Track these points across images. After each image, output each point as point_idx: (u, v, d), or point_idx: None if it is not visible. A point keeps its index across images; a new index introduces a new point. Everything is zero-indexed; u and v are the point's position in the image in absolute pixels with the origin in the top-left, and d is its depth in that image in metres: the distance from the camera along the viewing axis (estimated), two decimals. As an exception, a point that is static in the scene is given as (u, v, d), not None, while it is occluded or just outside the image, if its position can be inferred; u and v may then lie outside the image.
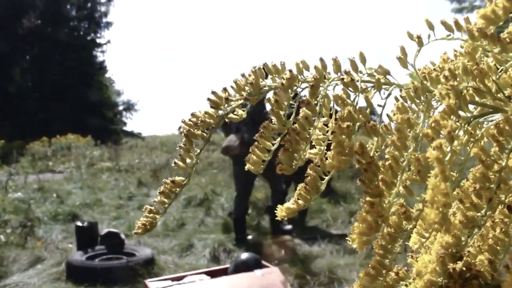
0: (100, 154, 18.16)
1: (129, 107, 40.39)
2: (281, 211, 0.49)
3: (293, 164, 0.45)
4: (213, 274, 4.85)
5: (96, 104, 33.70)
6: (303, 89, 0.47)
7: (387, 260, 0.40)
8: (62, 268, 5.21)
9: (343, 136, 0.42)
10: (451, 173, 0.39)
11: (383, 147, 0.44)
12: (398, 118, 0.42)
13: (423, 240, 0.41)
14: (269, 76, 0.48)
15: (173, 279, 4.66)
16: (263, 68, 0.48)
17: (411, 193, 0.40)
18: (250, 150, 0.48)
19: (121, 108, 40.33)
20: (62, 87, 32.53)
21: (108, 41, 38.56)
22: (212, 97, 0.48)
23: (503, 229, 0.37)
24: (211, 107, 0.48)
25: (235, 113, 0.49)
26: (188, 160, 0.48)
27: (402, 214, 0.39)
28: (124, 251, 5.52)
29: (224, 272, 4.93)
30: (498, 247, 0.37)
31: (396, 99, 0.45)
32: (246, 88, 0.48)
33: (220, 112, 0.48)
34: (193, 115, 0.47)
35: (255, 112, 10.02)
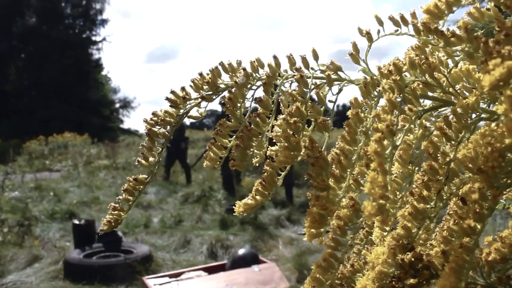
0: (97, 152, 18.14)
1: (126, 104, 40.35)
2: (239, 207, 0.50)
3: (246, 161, 0.46)
4: (210, 270, 4.87)
5: (93, 102, 33.63)
6: (257, 87, 0.48)
7: (339, 253, 0.41)
8: (59, 266, 5.21)
9: (290, 132, 0.42)
10: (409, 166, 0.40)
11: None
12: (349, 113, 0.43)
13: (385, 234, 0.41)
14: (225, 75, 0.49)
15: (171, 276, 4.68)
16: (220, 67, 0.48)
17: (361, 185, 0.41)
18: (207, 147, 0.49)
19: (117, 105, 40.28)
20: (58, 86, 32.44)
21: (104, 39, 38.49)
22: (171, 96, 0.49)
23: (456, 221, 0.37)
24: (170, 106, 0.48)
25: (194, 111, 0.49)
26: (151, 159, 0.48)
27: (351, 207, 0.40)
28: (122, 248, 5.53)
29: (221, 268, 4.95)
30: (453, 239, 0.37)
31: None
32: (204, 87, 0.48)
33: (181, 111, 0.48)
34: (154, 114, 0.48)
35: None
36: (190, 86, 0.49)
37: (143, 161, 0.49)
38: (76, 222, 5.90)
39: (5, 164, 10.60)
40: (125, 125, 40.18)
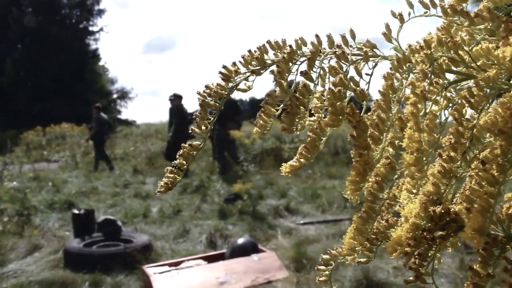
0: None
1: (123, 95, 40.28)
2: (285, 168, 0.56)
3: (294, 126, 0.52)
4: (210, 259, 4.92)
5: (90, 93, 33.52)
6: (301, 62, 0.53)
7: (376, 206, 0.46)
8: (59, 256, 5.25)
9: (335, 100, 0.48)
10: (434, 135, 0.44)
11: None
12: (383, 84, 0.48)
13: (412, 196, 0.47)
14: (271, 52, 0.55)
15: (170, 265, 4.73)
16: (267, 44, 0.55)
17: (395, 148, 0.47)
18: (257, 115, 0.55)
19: (115, 96, 40.21)
20: (55, 76, 32.31)
21: (101, 29, 38.29)
22: (223, 70, 0.54)
23: (478, 181, 0.42)
24: (222, 79, 0.54)
25: (242, 85, 0.55)
26: (203, 127, 0.54)
27: (388, 165, 0.46)
28: (121, 238, 5.56)
29: (221, 257, 5.00)
30: (474, 197, 0.43)
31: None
32: (253, 62, 0.54)
33: (230, 84, 0.54)
34: (207, 86, 0.54)
35: (225, 109, 11.77)
36: (239, 62, 0.55)
37: (196, 129, 0.54)
38: (76, 211, 5.93)
39: (3, 155, 10.61)
40: (122, 116, 40.16)
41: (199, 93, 0.54)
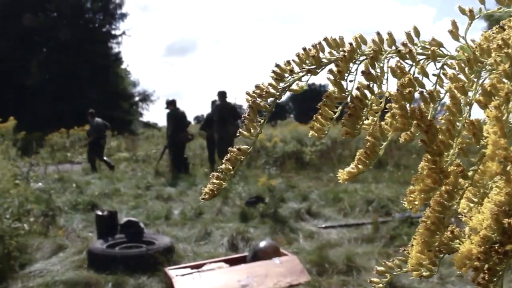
0: (117, 145, 18.38)
1: (145, 97, 40.72)
2: (343, 175, 0.54)
3: (357, 129, 0.49)
4: (231, 262, 4.91)
5: (112, 95, 34.00)
6: (361, 62, 0.50)
7: (445, 217, 0.43)
8: (83, 256, 5.30)
9: (404, 102, 0.45)
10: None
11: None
12: (451, 86, 0.45)
13: (471, 205, 0.44)
14: (327, 50, 0.52)
15: (192, 267, 4.73)
16: (324, 42, 0.51)
17: (466, 154, 0.43)
18: (314, 118, 0.52)
19: (137, 99, 40.67)
20: (78, 79, 32.87)
21: (123, 33, 38.84)
22: (276, 69, 0.51)
23: None
24: (275, 79, 0.51)
25: (295, 85, 0.52)
26: (252, 130, 0.51)
27: (460, 173, 0.43)
28: (144, 239, 5.59)
29: (242, 260, 4.99)
30: None
31: (444, 69, 0.49)
32: (307, 61, 0.51)
33: (282, 84, 0.51)
34: (257, 87, 0.51)
35: (224, 110, 12.75)
36: (293, 60, 0.51)
37: (245, 132, 0.51)
38: (99, 213, 5.98)
39: (29, 156, 10.82)
40: (144, 118, 40.61)
41: (248, 94, 0.51)
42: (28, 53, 32.69)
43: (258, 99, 0.50)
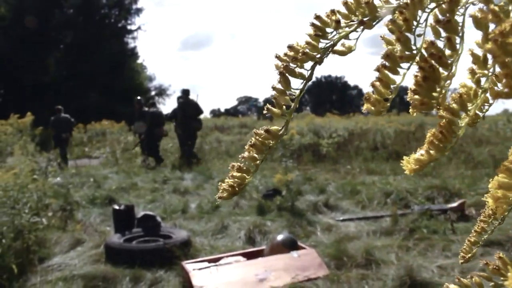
0: (134, 139, 18.43)
1: (161, 92, 40.92)
2: (409, 165, 0.41)
3: (434, 99, 0.35)
4: (249, 256, 4.86)
5: (129, 90, 34.20)
6: (431, 10, 0.37)
7: None
8: (101, 250, 5.32)
9: (508, 56, 0.31)
10: None
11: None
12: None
13: None
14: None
15: (209, 261, 4.70)
16: None
17: None
18: (370, 86, 0.39)
19: (153, 93, 40.85)
20: (95, 75, 33.14)
21: (139, 28, 38.98)
22: (316, 22, 0.39)
23: None
24: (316, 34, 0.39)
25: (341, 45, 0.40)
26: (284, 106, 0.40)
27: None
28: (161, 233, 5.58)
29: (260, 254, 4.94)
30: None
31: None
32: (357, 12, 0.39)
33: (322, 44, 0.39)
34: (291, 48, 0.39)
35: (187, 106, 13.16)
36: (338, 11, 0.39)
37: (274, 109, 0.40)
38: (116, 207, 5.99)
39: (47, 152, 10.93)
40: (160, 113, 40.74)
41: (279, 58, 0.39)
42: (45, 49, 33.03)
43: (291, 64, 0.39)
